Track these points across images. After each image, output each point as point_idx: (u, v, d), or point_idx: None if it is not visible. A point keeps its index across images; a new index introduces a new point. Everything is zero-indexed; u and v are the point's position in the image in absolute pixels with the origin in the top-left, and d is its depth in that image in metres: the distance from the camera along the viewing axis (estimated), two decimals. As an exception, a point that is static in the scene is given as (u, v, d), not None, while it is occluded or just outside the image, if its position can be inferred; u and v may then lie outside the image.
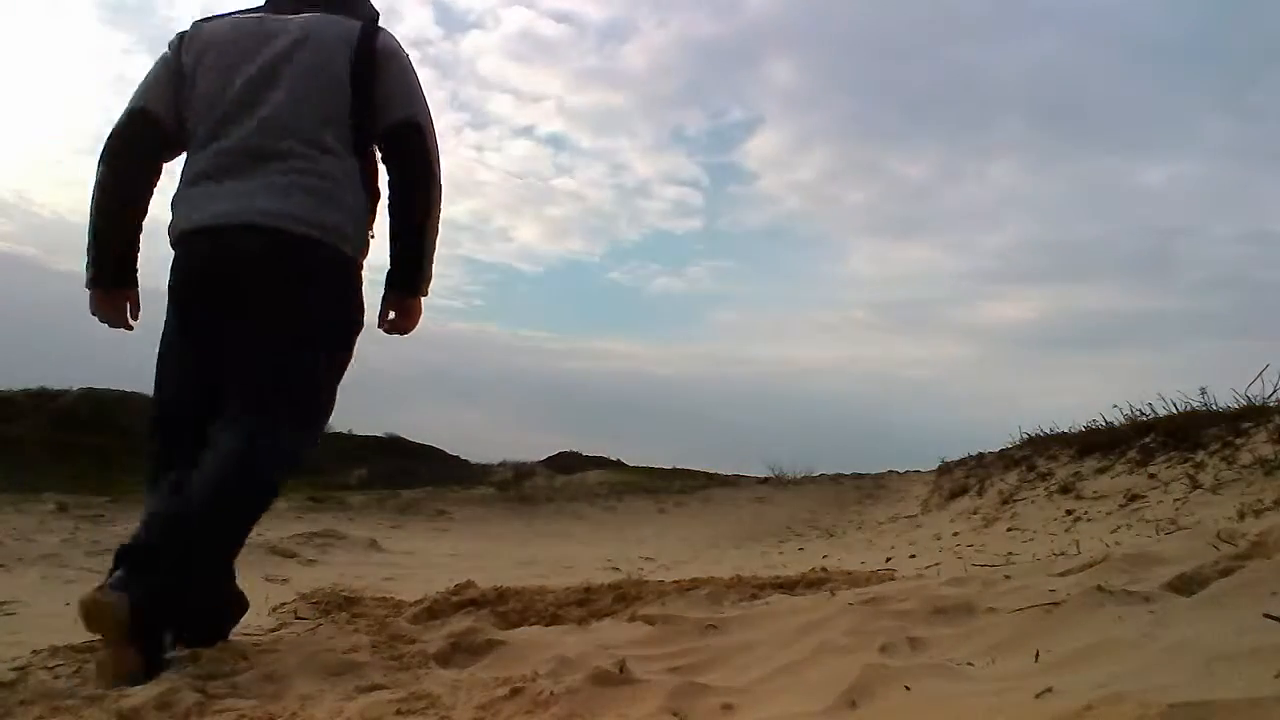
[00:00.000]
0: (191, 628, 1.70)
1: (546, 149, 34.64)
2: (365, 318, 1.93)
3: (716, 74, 33.43)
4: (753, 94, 33.16)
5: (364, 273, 1.91)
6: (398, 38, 1.91)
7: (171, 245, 1.83)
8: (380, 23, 1.98)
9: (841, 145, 34.79)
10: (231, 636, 1.86)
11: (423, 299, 1.96)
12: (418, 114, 1.85)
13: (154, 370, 1.84)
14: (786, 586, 2.57)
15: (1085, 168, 32.01)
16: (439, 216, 1.87)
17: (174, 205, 1.84)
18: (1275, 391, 5.02)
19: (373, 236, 1.93)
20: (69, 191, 30.66)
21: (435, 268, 1.97)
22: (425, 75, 2.00)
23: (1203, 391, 5.82)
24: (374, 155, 1.91)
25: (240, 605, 1.91)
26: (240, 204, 1.72)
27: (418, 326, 1.99)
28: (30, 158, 30.01)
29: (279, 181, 1.73)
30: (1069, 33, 28.46)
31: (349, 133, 1.81)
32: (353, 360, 1.93)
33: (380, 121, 1.83)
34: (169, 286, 1.82)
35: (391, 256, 1.89)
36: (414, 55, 1.94)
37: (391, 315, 1.97)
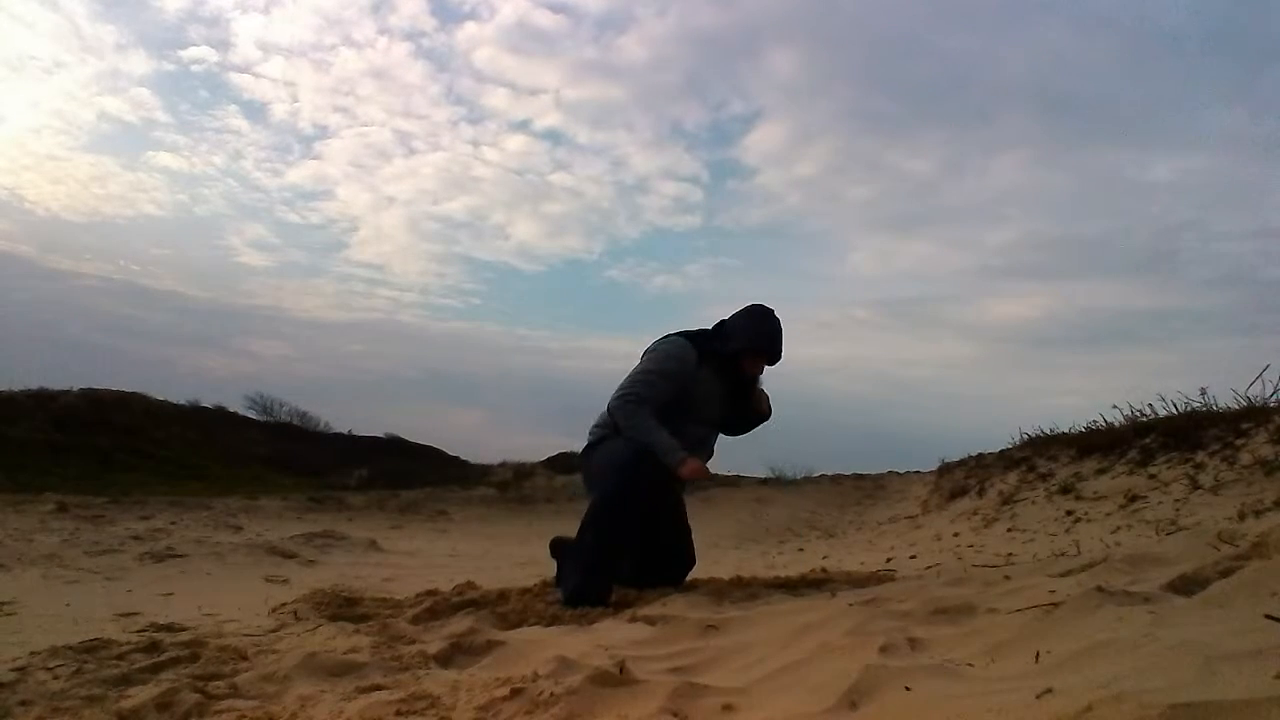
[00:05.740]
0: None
1: (544, 144, 34.43)
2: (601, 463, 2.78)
3: (716, 66, 33.21)
4: (752, 86, 32.95)
5: None
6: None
7: None
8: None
9: (843, 140, 34.60)
10: (232, 637, 1.87)
11: (682, 469, 2.62)
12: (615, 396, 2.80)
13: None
14: (787, 587, 2.58)
15: (1091, 162, 31.83)
16: (631, 429, 2.69)
17: None
18: (1275, 392, 5.03)
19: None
20: (64, 189, 30.49)
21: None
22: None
23: (1203, 392, 5.82)
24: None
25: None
26: None
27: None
28: (23, 154, 29.82)
29: None
30: (1075, 24, 28.35)
31: None
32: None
33: None
34: None
35: None
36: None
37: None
